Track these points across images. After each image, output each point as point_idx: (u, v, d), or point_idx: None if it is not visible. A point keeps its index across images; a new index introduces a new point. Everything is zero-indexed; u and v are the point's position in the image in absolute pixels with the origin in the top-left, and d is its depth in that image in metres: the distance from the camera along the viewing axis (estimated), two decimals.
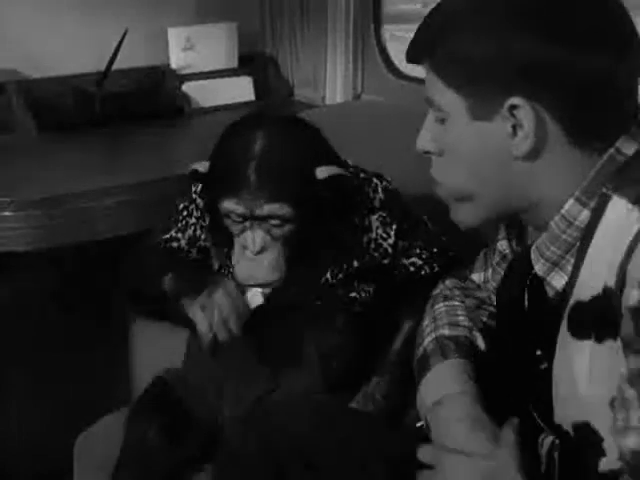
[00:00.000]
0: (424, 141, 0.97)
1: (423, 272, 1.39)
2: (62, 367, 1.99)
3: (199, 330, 1.25)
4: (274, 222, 1.22)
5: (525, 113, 0.86)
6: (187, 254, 1.40)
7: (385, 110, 1.76)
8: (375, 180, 1.37)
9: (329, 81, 2.17)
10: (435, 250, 1.39)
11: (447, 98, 0.91)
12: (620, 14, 0.88)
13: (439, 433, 1.00)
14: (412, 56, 0.96)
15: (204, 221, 1.38)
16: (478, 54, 0.86)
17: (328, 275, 1.36)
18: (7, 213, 1.56)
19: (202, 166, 1.28)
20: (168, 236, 1.41)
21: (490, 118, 0.89)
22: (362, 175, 1.37)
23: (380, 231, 1.35)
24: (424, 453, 0.97)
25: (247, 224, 1.23)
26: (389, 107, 1.72)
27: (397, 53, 2.12)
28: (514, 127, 0.87)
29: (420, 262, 1.39)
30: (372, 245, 1.36)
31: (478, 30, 0.86)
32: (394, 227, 1.35)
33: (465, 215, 0.98)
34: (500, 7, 0.86)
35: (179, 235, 1.40)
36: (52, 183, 1.68)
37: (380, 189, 1.36)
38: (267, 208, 1.21)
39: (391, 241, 1.35)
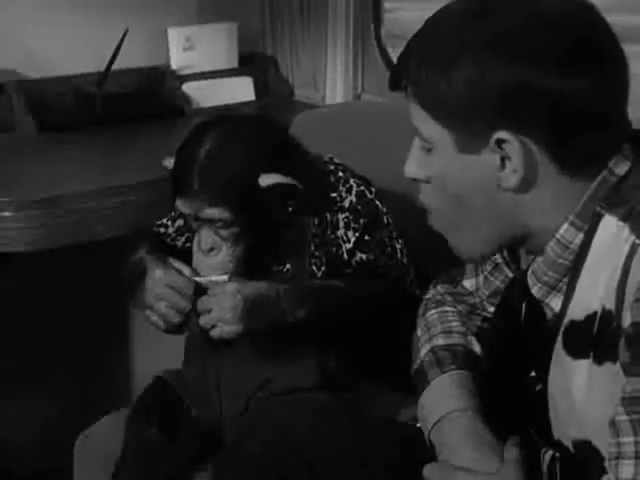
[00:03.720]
0: (411, 168, 0.96)
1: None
2: (62, 367, 1.99)
3: (152, 324, 1.31)
4: (218, 224, 1.28)
5: (512, 147, 0.84)
6: (174, 240, 1.48)
7: (385, 110, 1.75)
8: (352, 181, 1.37)
9: (329, 81, 2.17)
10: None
11: (432, 130, 0.89)
12: (603, 33, 0.86)
13: (445, 452, 1.00)
14: (394, 84, 0.94)
15: None
16: (459, 89, 0.85)
17: (314, 268, 1.37)
18: (7, 213, 1.56)
19: (169, 162, 1.34)
20: (159, 222, 1.49)
21: (477, 151, 0.87)
22: (340, 174, 1.38)
23: (342, 232, 1.36)
24: (431, 471, 0.96)
25: (199, 223, 1.30)
26: (389, 107, 1.72)
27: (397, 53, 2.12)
28: (502, 159, 0.86)
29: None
30: (336, 242, 1.37)
31: (458, 64, 0.85)
32: (356, 234, 1.35)
33: (463, 245, 0.96)
34: (479, 41, 0.84)
35: (169, 223, 1.48)
36: (52, 183, 1.68)
37: (354, 191, 1.36)
38: (207, 212, 1.27)
39: (349, 246, 1.36)
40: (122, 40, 1.99)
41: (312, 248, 1.37)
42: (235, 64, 2.29)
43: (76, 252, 1.68)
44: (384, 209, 1.39)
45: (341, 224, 1.36)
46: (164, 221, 1.49)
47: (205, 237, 1.29)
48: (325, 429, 1.13)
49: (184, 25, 2.20)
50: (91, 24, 2.06)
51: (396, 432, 1.16)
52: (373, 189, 1.39)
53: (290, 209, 1.33)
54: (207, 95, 2.21)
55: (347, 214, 1.36)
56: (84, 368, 2.00)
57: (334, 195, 1.36)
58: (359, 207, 1.36)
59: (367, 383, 1.39)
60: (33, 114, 1.96)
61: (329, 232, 1.37)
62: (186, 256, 1.36)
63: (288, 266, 1.39)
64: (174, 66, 2.21)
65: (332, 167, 1.40)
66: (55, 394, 2.00)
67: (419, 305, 1.23)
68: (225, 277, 1.29)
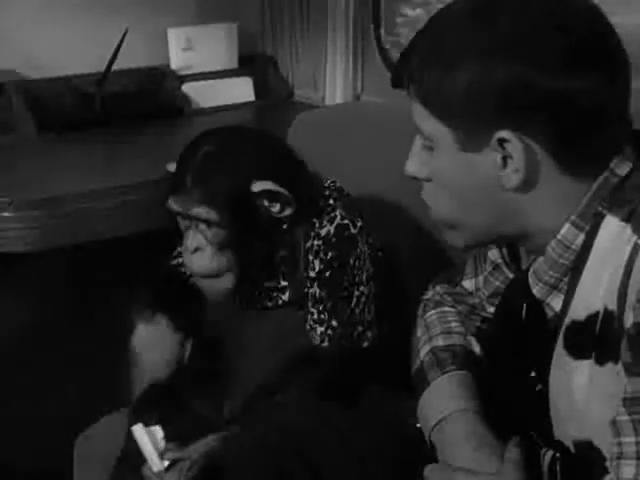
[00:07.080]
0: (413, 167, 0.95)
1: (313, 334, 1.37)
2: (62, 367, 1.99)
3: None
4: (204, 224, 1.30)
5: (514, 146, 0.84)
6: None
7: (385, 111, 1.75)
8: (338, 212, 1.34)
9: (329, 82, 2.17)
10: (334, 323, 1.35)
11: (434, 128, 0.89)
12: (605, 33, 0.86)
13: (445, 452, 1.00)
14: (396, 82, 0.94)
15: None
16: (461, 88, 0.84)
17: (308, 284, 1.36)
18: (7, 213, 1.56)
19: (172, 167, 1.36)
20: (175, 253, 1.50)
21: (479, 150, 0.87)
22: (330, 202, 1.36)
23: (312, 258, 1.34)
24: (431, 472, 0.96)
25: (187, 223, 1.32)
26: (389, 108, 1.72)
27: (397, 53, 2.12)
28: (504, 159, 0.86)
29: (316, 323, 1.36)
30: (306, 265, 1.35)
31: (460, 63, 0.85)
32: (320, 266, 1.33)
33: (456, 240, 0.97)
34: (482, 40, 0.84)
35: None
36: (52, 183, 1.68)
37: (335, 223, 1.33)
38: (195, 210, 1.30)
39: (312, 274, 1.34)
40: (122, 40, 1.99)
41: (304, 265, 1.36)
42: (235, 64, 2.30)
43: (76, 252, 1.68)
44: (364, 248, 1.35)
45: (314, 249, 1.34)
46: (179, 249, 1.48)
47: (191, 237, 1.32)
48: (325, 429, 1.13)
49: (184, 25, 2.20)
50: (91, 24, 2.06)
51: (396, 432, 1.16)
52: (359, 224, 1.35)
53: (283, 226, 1.33)
54: (207, 95, 2.21)
55: (320, 242, 1.33)
56: (84, 368, 2.00)
57: (315, 220, 1.34)
58: (333, 239, 1.33)
59: (367, 384, 1.39)
60: (33, 114, 1.96)
61: (305, 256, 1.35)
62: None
63: (285, 283, 1.39)
64: (174, 66, 2.21)
65: (327, 192, 1.38)
66: (55, 394, 1.99)
67: (375, 354, 1.23)
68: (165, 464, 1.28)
